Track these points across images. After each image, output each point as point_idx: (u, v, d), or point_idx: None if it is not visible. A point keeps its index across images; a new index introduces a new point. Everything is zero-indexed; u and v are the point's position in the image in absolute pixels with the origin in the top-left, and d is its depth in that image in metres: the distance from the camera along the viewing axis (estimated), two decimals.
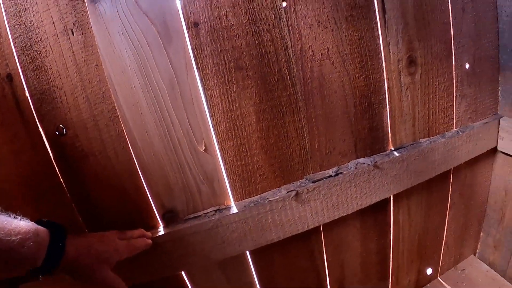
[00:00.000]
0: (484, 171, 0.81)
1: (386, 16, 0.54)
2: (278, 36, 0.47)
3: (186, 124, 0.46)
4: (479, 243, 0.96)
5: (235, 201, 0.52)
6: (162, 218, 0.49)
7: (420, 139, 0.65)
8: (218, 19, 0.44)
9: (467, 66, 0.67)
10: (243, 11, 0.45)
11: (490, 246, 0.93)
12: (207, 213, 0.50)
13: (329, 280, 0.67)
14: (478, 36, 0.67)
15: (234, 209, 0.50)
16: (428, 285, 0.90)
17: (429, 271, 0.88)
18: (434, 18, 0.59)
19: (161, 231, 0.48)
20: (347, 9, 0.51)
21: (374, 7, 0.53)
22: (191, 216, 0.50)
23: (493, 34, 0.70)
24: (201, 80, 0.45)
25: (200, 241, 0.49)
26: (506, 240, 0.86)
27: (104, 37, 0.40)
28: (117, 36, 0.40)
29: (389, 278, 0.79)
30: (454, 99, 0.67)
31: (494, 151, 0.80)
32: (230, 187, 0.51)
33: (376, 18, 0.54)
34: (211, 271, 0.55)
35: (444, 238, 0.85)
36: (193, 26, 0.43)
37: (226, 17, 0.44)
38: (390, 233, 0.72)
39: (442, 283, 0.90)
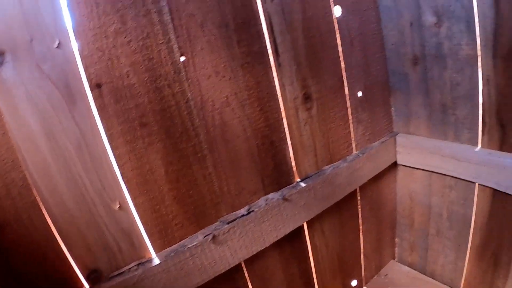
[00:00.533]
0: (388, 184, 1.12)
1: (279, 59, 0.76)
2: (178, 90, 0.64)
3: (98, 184, 0.58)
4: (396, 248, 1.29)
5: (156, 253, 0.66)
6: (87, 279, 0.60)
7: (324, 167, 0.90)
8: (120, 78, 0.58)
9: (359, 94, 0.95)
10: (143, 69, 0.60)
11: (407, 249, 1.26)
12: (130, 268, 0.63)
13: None
14: (368, 65, 0.96)
15: (156, 261, 0.64)
16: None
17: (354, 282, 1.14)
18: (325, 55, 0.85)
19: None
20: (242, 56, 0.71)
21: (268, 52, 0.75)
22: (115, 273, 0.62)
23: (381, 62, 1.02)
24: (109, 140, 0.58)
25: None
26: (420, 241, 1.19)
27: (9, 103, 0.50)
28: (21, 101, 0.50)
29: None
30: (351, 125, 0.95)
31: (395, 164, 1.11)
32: (149, 240, 0.65)
33: (270, 62, 0.75)
34: None
35: (361, 251, 1.13)
36: (96, 87, 0.56)
37: (128, 76, 0.59)
38: (309, 257, 0.94)
39: None
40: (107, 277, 0.62)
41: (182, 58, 0.64)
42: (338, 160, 0.92)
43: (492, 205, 0.95)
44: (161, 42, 0.61)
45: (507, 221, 0.95)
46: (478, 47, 0.83)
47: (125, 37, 0.57)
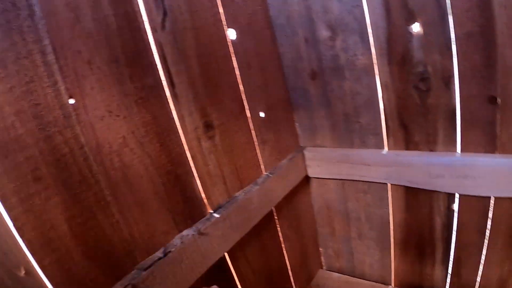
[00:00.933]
0: (303, 198, 1.32)
1: (175, 90, 0.90)
2: (71, 136, 0.73)
3: None
4: (322, 257, 1.53)
5: None
6: None
7: (235, 194, 1.05)
8: (5, 130, 0.66)
9: (262, 114, 1.14)
10: (30, 117, 0.68)
11: (333, 256, 1.50)
12: None
13: None
14: (267, 86, 1.14)
15: None
16: None
17: None
18: (222, 81, 1.00)
19: None
20: (136, 92, 0.83)
21: (163, 84, 0.89)
22: None
23: (280, 80, 1.22)
24: (2, 202, 0.63)
25: None
26: (344, 247, 1.45)
27: None
28: None
29: None
30: (257, 147, 1.11)
31: (306, 178, 1.33)
32: None
33: (166, 95, 0.89)
34: None
35: (288, 267, 1.31)
36: None
37: (14, 127, 0.67)
38: (237, 286, 1.08)
39: None
40: None
41: (72, 101, 0.73)
42: (249, 185, 1.08)
43: (407, 201, 1.23)
44: (46, 85, 0.68)
45: (423, 213, 1.23)
46: (374, 56, 1.07)
47: (7, 83, 0.65)
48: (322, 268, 1.65)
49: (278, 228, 1.24)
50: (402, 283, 1.51)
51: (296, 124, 1.29)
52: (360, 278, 1.58)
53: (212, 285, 0.96)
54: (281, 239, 1.27)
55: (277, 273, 1.29)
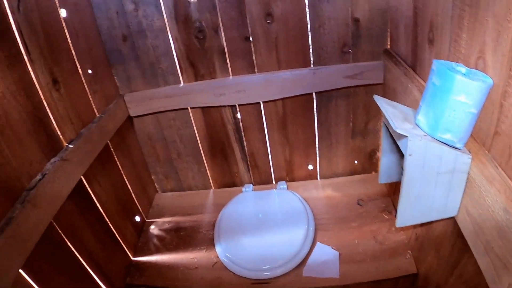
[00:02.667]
0: (129, 134, 1.70)
1: (31, 57, 1.16)
2: None
3: None
4: (155, 183, 1.96)
5: None
6: None
7: (81, 130, 1.39)
8: None
9: (90, 71, 1.49)
10: None
11: (163, 179, 1.94)
12: None
13: (82, 259, 1.22)
14: (91, 50, 1.46)
15: None
16: (143, 227, 1.79)
17: (138, 218, 1.72)
18: (60, 48, 1.28)
19: None
20: (6, 59, 1.06)
21: (22, 53, 1.16)
22: None
23: (100, 45, 1.58)
24: None
25: None
26: (169, 170, 1.93)
27: None
28: None
29: (117, 237, 1.52)
30: (90, 96, 1.45)
31: (130, 118, 1.69)
32: None
33: (25, 60, 1.16)
34: None
35: (131, 192, 1.69)
36: None
37: None
38: (97, 204, 1.38)
39: (150, 221, 1.83)
40: None
41: None
42: (89, 123, 1.42)
43: (204, 118, 1.74)
44: None
45: (218, 125, 1.79)
46: (166, 19, 1.50)
47: None
48: (157, 192, 2.05)
49: (116, 158, 1.61)
50: (220, 184, 2.04)
51: (115, 77, 1.66)
52: (188, 190, 2.03)
53: (81, 205, 1.30)
54: (120, 167, 1.63)
55: (124, 196, 1.65)
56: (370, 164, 1.88)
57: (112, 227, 1.52)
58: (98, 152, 1.41)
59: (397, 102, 1.21)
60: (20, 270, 0.99)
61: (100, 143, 1.43)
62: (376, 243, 1.49)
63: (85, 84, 1.41)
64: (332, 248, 1.50)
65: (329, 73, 1.55)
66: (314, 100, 1.66)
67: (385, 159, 1.25)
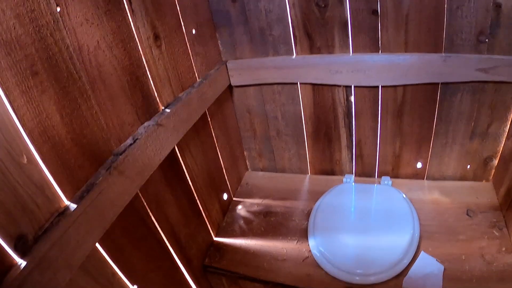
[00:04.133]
0: (228, 104, 1.53)
1: (132, 6, 1.01)
2: (59, 38, 0.81)
3: (3, 142, 0.67)
4: (247, 160, 1.78)
5: (70, 199, 0.79)
6: (15, 250, 0.67)
7: (179, 94, 1.23)
8: (8, 31, 0.74)
9: (194, 31, 1.30)
10: (27, 20, 0.75)
11: (256, 157, 1.74)
12: (52, 222, 0.74)
13: (164, 234, 1.13)
14: (196, 8, 1.27)
15: (72, 206, 0.77)
16: (230, 206, 1.62)
17: (225, 196, 1.56)
18: (165, 0, 1.16)
19: (21, 263, 0.67)
20: (104, 5, 0.92)
21: (123, 1, 1.00)
22: (40, 233, 0.72)
23: (206, 4, 1.38)
24: (5, 94, 0.69)
25: (58, 254, 0.73)
26: (265, 147, 1.70)
27: None
28: None
29: (202, 214, 1.37)
30: (192, 58, 1.26)
31: (230, 87, 1.51)
32: (60, 189, 0.77)
33: (126, 9, 1.00)
34: (78, 280, 0.81)
35: (223, 166, 1.53)
36: None
37: (14, 28, 0.75)
38: (187, 177, 1.24)
39: (238, 201, 1.65)
40: (34, 239, 0.70)
41: (58, 9, 0.81)
42: (188, 88, 1.25)
43: (314, 96, 1.49)
44: None
45: (327, 105, 1.51)
46: None
47: None
48: (248, 170, 1.88)
49: (212, 129, 1.44)
50: (317, 170, 1.81)
51: (219, 41, 1.47)
52: (281, 172, 1.85)
53: (169, 174, 1.14)
54: (215, 139, 1.47)
55: (215, 170, 1.51)
56: (483, 171, 1.59)
57: (198, 202, 1.37)
58: (195, 121, 1.24)
59: None
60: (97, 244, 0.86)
61: (198, 110, 1.25)
62: (484, 263, 1.24)
63: (188, 44, 1.23)
64: (437, 260, 1.28)
65: (461, 62, 1.27)
66: (439, 91, 1.40)
67: None
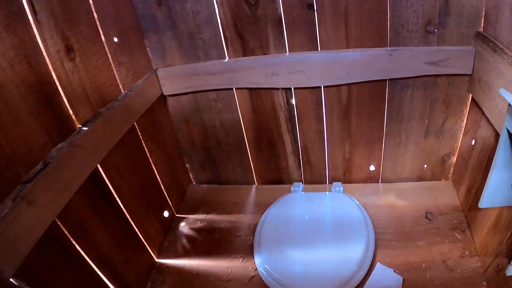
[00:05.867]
0: (162, 115, 1.51)
1: (38, 17, 0.99)
2: None
3: None
4: (190, 173, 1.77)
5: None
6: None
7: (100, 110, 1.21)
8: None
9: (116, 40, 1.29)
10: None
11: (199, 169, 1.75)
12: None
13: (93, 263, 1.10)
14: (118, 14, 1.24)
15: None
16: (173, 224, 1.61)
17: (166, 214, 1.54)
18: (78, 8, 1.06)
19: None
20: (3, 18, 0.89)
21: (26, 11, 0.96)
22: None
23: (130, 9, 1.35)
24: None
25: None
26: (206, 159, 1.71)
27: None
28: None
29: (139, 235, 1.35)
30: (114, 68, 1.26)
31: (163, 97, 1.50)
32: None
33: (30, 21, 0.97)
34: None
35: (160, 182, 1.51)
36: None
37: None
38: (116, 198, 1.22)
39: (181, 217, 1.64)
40: None
41: None
42: (111, 101, 1.23)
43: (252, 102, 1.50)
44: None
45: (267, 110, 1.52)
46: None
47: None
48: (192, 184, 1.88)
49: (143, 144, 1.42)
50: (264, 180, 1.82)
51: (147, 48, 1.45)
52: (226, 184, 1.84)
53: (93, 197, 1.12)
54: (148, 154, 1.44)
55: (151, 188, 1.48)
56: (441, 170, 1.63)
57: (133, 224, 1.35)
58: (121, 136, 1.22)
59: (493, 99, 1.02)
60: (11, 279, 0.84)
61: (124, 125, 1.24)
62: (446, 270, 1.25)
63: (108, 54, 1.21)
64: (395, 271, 1.27)
65: (409, 56, 1.29)
66: (387, 89, 1.41)
67: (496, 176, 0.97)
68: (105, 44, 1.20)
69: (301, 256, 1.35)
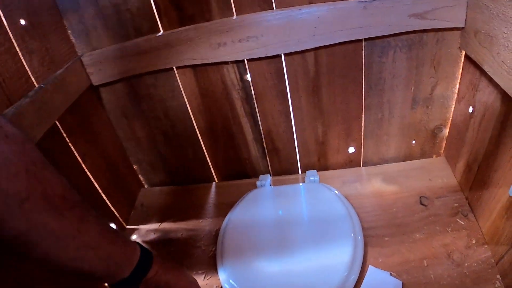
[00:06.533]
0: (95, 110, 1.32)
1: None
2: None
3: None
4: (139, 175, 1.59)
5: None
6: None
7: (5, 111, 0.99)
8: None
9: (23, 22, 1.06)
10: None
11: (149, 170, 1.57)
12: None
13: None
14: None
15: None
16: None
17: (113, 226, 1.35)
18: None
19: None
20: None
21: None
22: None
23: None
24: None
25: None
26: (155, 157, 1.51)
27: None
28: None
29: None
30: (23, 58, 1.05)
31: (92, 88, 1.28)
32: None
33: None
34: None
35: (100, 190, 1.31)
36: None
37: None
38: None
39: (132, 228, 1.45)
40: None
41: None
42: (20, 99, 1.03)
43: (198, 82, 1.28)
44: None
45: (217, 91, 1.30)
46: None
47: None
48: (144, 187, 1.65)
49: (71, 146, 1.20)
50: (225, 176, 1.61)
51: (69, 31, 1.23)
52: (182, 185, 1.64)
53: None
54: (79, 158, 1.22)
55: (88, 198, 1.25)
56: (432, 145, 1.43)
57: None
58: (36, 141, 1.02)
59: (498, 54, 0.84)
60: None
61: (39, 127, 1.03)
62: (453, 265, 1.06)
63: (13, 41, 0.98)
64: (392, 274, 1.06)
65: (388, 7, 1.06)
66: (363, 52, 1.18)
67: None
68: (7, 29, 0.98)
69: (274, 266, 1.12)
